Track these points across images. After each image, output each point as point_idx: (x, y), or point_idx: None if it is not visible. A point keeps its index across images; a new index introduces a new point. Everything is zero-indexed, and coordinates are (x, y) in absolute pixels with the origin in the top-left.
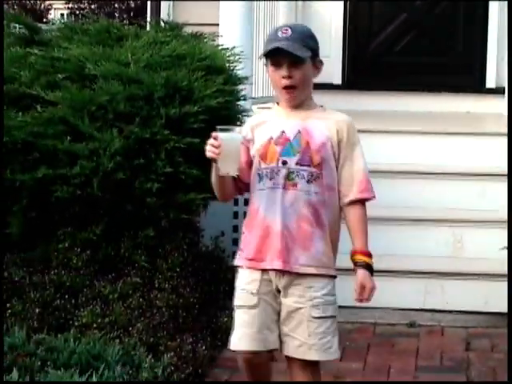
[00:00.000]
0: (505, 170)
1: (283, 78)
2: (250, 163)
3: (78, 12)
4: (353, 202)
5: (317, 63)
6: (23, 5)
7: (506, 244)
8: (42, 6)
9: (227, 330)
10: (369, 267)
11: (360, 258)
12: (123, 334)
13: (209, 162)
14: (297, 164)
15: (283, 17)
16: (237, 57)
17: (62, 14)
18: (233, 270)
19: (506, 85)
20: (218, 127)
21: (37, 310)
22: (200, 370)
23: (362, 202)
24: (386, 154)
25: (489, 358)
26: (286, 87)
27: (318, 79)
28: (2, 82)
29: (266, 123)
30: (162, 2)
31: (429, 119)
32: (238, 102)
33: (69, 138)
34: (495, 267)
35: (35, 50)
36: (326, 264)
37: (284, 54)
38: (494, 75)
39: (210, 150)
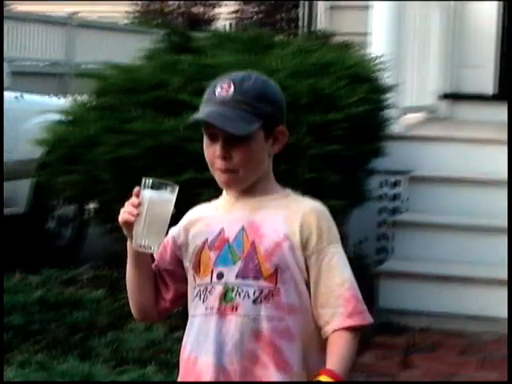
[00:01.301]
0: None
1: (218, 157)
2: (174, 275)
3: (243, 21)
4: (338, 331)
5: (276, 133)
6: (191, 13)
7: None
8: (210, 14)
9: None
10: None
11: (324, 378)
12: None
13: (352, 170)
14: (237, 277)
15: (436, 20)
16: (384, 65)
17: (226, 24)
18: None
19: None
20: (145, 179)
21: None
22: None
23: (350, 329)
24: None
25: None
26: (221, 170)
27: (467, 89)
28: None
29: (203, 219)
30: (316, 12)
31: None
32: (385, 111)
33: None
34: None
35: (187, 57)
36: None
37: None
38: None
39: (125, 211)
